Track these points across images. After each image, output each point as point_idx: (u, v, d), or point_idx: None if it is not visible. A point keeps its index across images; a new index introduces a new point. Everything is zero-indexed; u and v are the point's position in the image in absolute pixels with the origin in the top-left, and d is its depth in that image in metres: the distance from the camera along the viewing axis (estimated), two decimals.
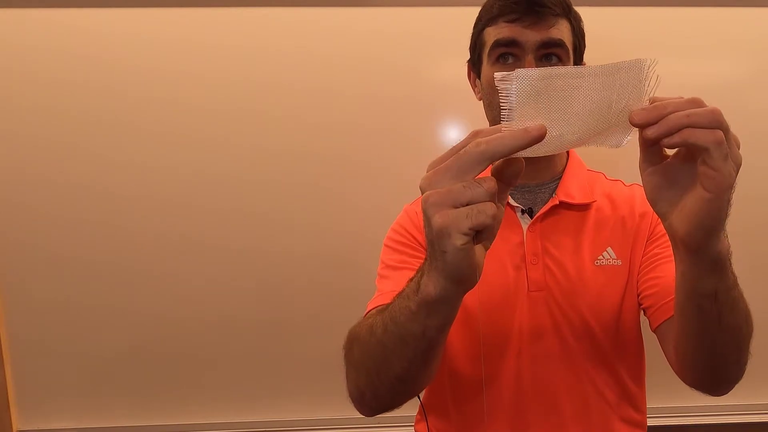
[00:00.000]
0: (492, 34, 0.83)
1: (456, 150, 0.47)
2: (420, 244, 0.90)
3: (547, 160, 0.89)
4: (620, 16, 1.21)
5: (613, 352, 0.85)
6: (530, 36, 0.80)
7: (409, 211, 0.95)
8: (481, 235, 0.46)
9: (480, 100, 0.88)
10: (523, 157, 0.75)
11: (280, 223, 1.26)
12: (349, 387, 0.72)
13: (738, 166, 0.54)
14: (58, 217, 1.24)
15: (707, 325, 0.66)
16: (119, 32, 1.19)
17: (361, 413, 0.75)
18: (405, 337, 0.56)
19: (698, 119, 0.51)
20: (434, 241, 0.46)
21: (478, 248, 0.49)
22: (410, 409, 0.98)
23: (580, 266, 0.83)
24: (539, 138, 0.46)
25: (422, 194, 0.47)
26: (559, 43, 0.81)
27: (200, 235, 1.26)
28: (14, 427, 1.32)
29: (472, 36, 0.88)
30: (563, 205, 0.86)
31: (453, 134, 1.25)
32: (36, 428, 1.33)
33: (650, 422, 0.93)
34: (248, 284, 1.28)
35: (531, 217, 0.86)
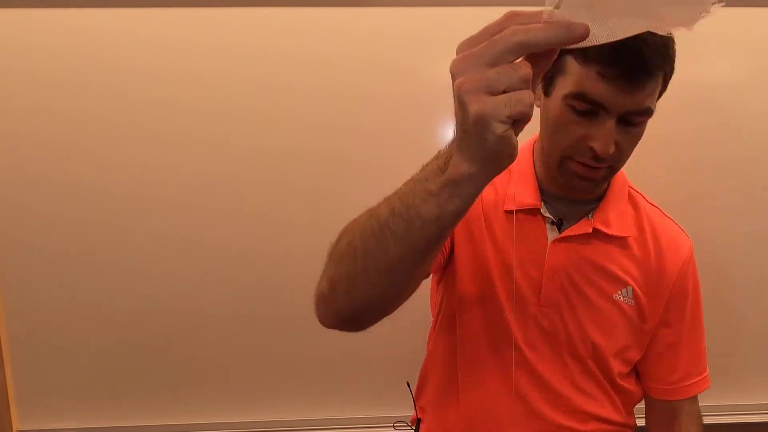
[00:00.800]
0: (577, 76, 0.72)
1: (490, 33, 0.44)
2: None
3: (610, 173, 0.82)
4: None
5: (608, 383, 0.86)
6: (620, 102, 0.71)
7: None
8: (518, 123, 0.45)
9: (538, 107, 0.80)
10: (580, 192, 0.77)
11: (280, 223, 1.26)
12: (320, 283, 0.69)
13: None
14: (58, 217, 1.24)
15: None
16: (119, 32, 1.19)
17: (321, 318, 0.72)
18: (414, 221, 0.52)
19: None
20: (470, 130, 0.44)
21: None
22: (407, 410, 0.98)
23: (599, 297, 0.82)
24: (582, 37, 0.43)
25: (453, 79, 0.45)
26: (647, 112, 0.74)
27: (200, 235, 1.26)
28: (14, 427, 1.32)
29: None
30: (596, 233, 0.83)
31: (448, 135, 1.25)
32: (36, 428, 1.33)
33: None
34: (248, 284, 1.28)
35: (559, 229, 0.83)
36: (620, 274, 0.83)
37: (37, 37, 1.18)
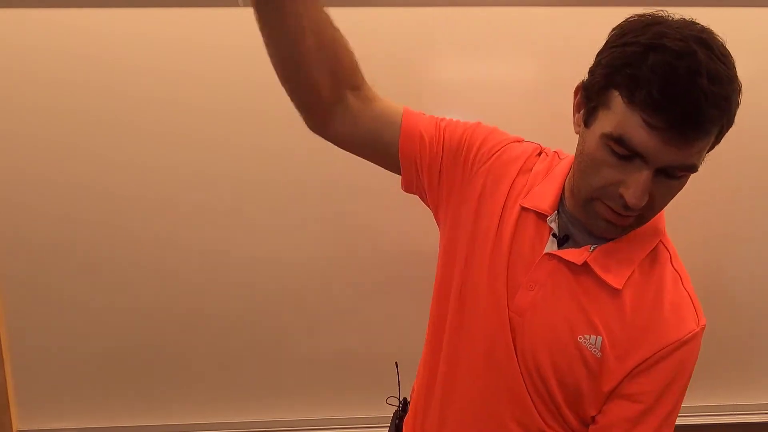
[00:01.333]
0: (621, 116, 0.64)
1: None
2: (468, 161, 0.82)
3: (639, 223, 0.74)
4: (620, 16, 1.21)
5: (557, 413, 0.79)
6: (663, 157, 0.63)
7: (516, 144, 0.84)
8: None
9: (576, 133, 0.74)
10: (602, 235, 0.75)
11: (280, 223, 1.26)
12: None
13: None
14: (58, 217, 1.24)
15: None
16: (119, 32, 1.18)
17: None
18: None
19: None
20: None
21: None
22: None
23: (563, 330, 0.75)
24: None
25: None
26: (692, 169, 0.66)
27: (201, 236, 1.26)
28: (14, 427, 1.32)
29: (599, 71, 0.68)
30: (589, 269, 0.75)
31: None
32: (36, 428, 1.33)
33: None
34: (248, 284, 1.28)
35: (560, 245, 0.77)
36: (594, 321, 0.74)
37: (36, 37, 1.18)
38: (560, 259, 0.76)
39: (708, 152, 0.69)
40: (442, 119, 0.86)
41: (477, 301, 0.81)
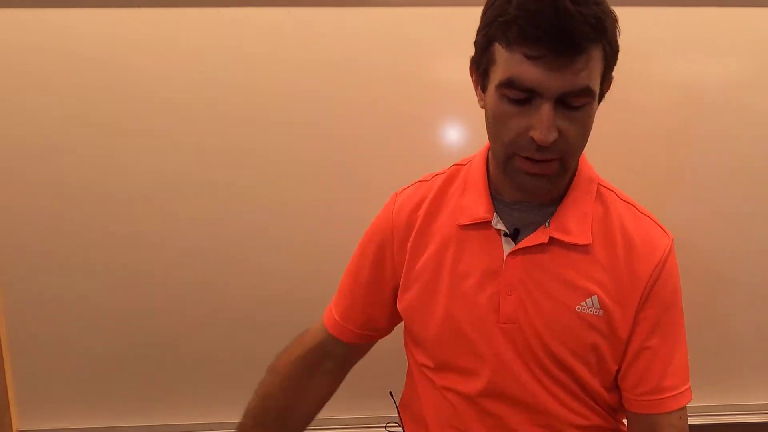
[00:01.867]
0: (505, 62, 0.67)
1: None
2: (389, 256, 0.87)
3: (563, 168, 0.74)
4: (621, 16, 1.21)
5: (584, 394, 0.81)
6: (553, 83, 0.65)
7: (388, 209, 0.89)
8: None
9: (482, 108, 0.76)
10: (531, 192, 0.74)
11: (280, 223, 1.26)
12: None
13: None
14: (58, 217, 1.24)
15: None
16: (123, 34, 1.18)
17: None
18: None
19: None
20: None
21: None
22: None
23: (558, 309, 0.76)
24: None
25: None
26: (587, 92, 0.67)
27: (201, 237, 1.26)
28: (14, 427, 1.32)
29: (479, 39, 0.72)
30: (553, 242, 0.77)
31: (454, 135, 1.25)
32: (36, 428, 1.33)
33: None
34: (248, 285, 1.28)
35: (515, 240, 0.78)
36: (583, 283, 0.76)
37: (40, 38, 1.18)
38: (525, 250, 0.77)
39: (605, 82, 0.72)
40: (343, 276, 0.95)
41: (464, 346, 0.81)
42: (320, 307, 1.29)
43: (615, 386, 0.83)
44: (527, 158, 0.70)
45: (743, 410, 1.32)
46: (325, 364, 0.94)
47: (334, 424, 1.34)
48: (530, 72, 0.65)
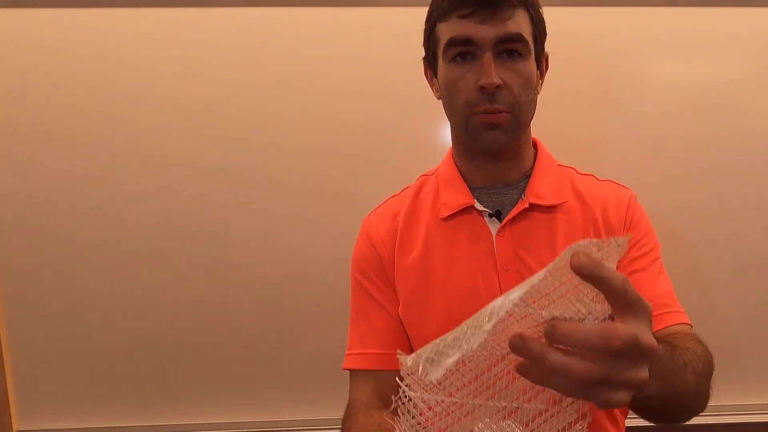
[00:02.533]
0: (445, 30, 0.79)
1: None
2: (381, 267, 0.88)
3: (513, 158, 0.86)
4: (620, 16, 1.21)
5: None
6: (486, 32, 0.76)
7: (366, 229, 0.92)
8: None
9: (439, 99, 0.86)
10: (493, 147, 0.81)
11: (281, 223, 1.26)
12: None
13: (638, 383, 0.45)
14: (58, 218, 1.24)
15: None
16: (135, 32, 1.19)
17: None
18: None
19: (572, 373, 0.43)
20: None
21: None
22: None
23: None
24: None
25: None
26: (518, 38, 0.77)
27: (200, 236, 1.26)
28: (14, 427, 1.32)
29: (425, 32, 0.85)
30: (533, 207, 0.84)
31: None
32: (36, 428, 1.33)
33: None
34: (248, 284, 1.28)
35: (500, 220, 0.84)
36: (571, 241, 0.79)
37: (51, 37, 1.18)
38: (511, 222, 0.83)
39: (539, 52, 0.82)
40: (351, 323, 0.94)
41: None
42: (323, 308, 1.30)
43: None
44: (482, 113, 0.78)
45: (743, 410, 1.32)
46: (378, 413, 0.86)
47: (334, 423, 1.34)
48: (465, 27, 0.77)
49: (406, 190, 0.94)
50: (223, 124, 1.23)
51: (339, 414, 1.33)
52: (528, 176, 0.87)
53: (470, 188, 0.86)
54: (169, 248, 1.26)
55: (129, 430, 1.33)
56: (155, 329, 1.29)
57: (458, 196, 0.85)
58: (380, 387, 0.87)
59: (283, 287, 1.29)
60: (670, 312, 0.83)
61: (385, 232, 0.89)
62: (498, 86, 0.76)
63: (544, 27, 0.83)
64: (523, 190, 0.85)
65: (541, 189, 0.85)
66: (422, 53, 1.21)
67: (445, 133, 1.26)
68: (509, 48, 0.77)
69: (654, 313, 0.77)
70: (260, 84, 1.22)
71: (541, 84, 0.86)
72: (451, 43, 0.78)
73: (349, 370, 0.91)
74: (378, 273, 0.89)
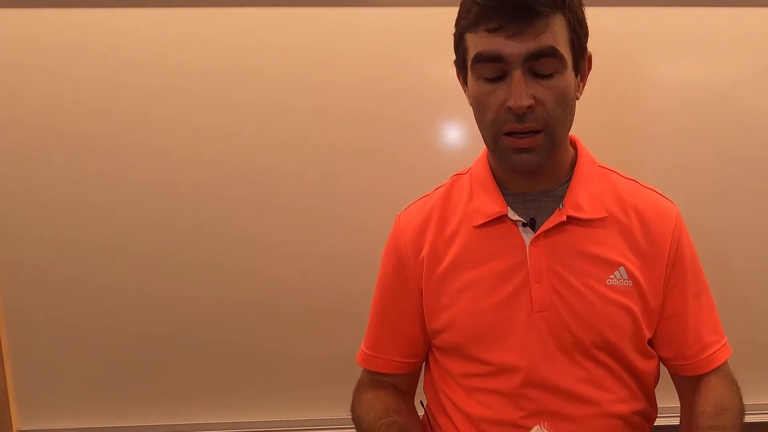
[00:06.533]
0: (472, 43, 0.73)
1: None
2: (408, 272, 0.86)
3: (553, 164, 0.80)
4: (621, 16, 1.21)
5: (624, 372, 0.82)
6: (515, 48, 0.69)
7: (398, 230, 0.90)
8: None
9: (471, 105, 0.80)
10: (523, 168, 0.76)
11: (280, 224, 1.26)
12: None
13: None
14: (58, 217, 1.24)
15: None
16: (140, 31, 1.19)
17: None
18: None
19: None
20: None
21: None
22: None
23: (590, 286, 0.78)
24: None
25: None
26: (552, 52, 0.70)
27: (200, 237, 1.26)
28: (14, 427, 1.32)
29: (454, 37, 0.78)
30: (570, 220, 0.79)
31: (454, 133, 1.26)
32: (36, 428, 1.33)
33: None
34: (249, 285, 1.28)
35: (533, 229, 0.80)
36: (608, 255, 0.78)
37: (51, 36, 1.18)
38: (546, 234, 0.79)
39: (580, 55, 0.75)
40: (370, 321, 0.94)
41: (500, 342, 0.80)
42: (324, 308, 1.30)
43: (650, 361, 0.85)
44: (511, 134, 0.73)
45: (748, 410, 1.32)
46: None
47: (334, 423, 1.34)
48: (493, 42, 0.70)
49: (438, 191, 0.90)
50: (224, 122, 1.22)
51: (339, 414, 1.34)
52: (567, 182, 0.81)
53: (504, 194, 0.82)
54: (170, 249, 1.26)
55: (129, 430, 1.33)
56: (155, 329, 1.29)
57: (492, 203, 0.81)
58: (383, 379, 0.93)
59: (284, 287, 1.29)
60: (717, 350, 0.84)
61: (416, 236, 0.86)
62: (529, 106, 0.71)
63: (586, 27, 0.76)
64: (561, 199, 0.80)
65: (581, 199, 0.80)
66: (422, 53, 1.22)
67: (450, 131, 1.26)
68: (542, 67, 0.71)
69: (705, 354, 0.82)
70: (262, 80, 1.22)
71: (582, 87, 0.79)
72: (478, 58, 0.72)
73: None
74: (403, 277, 0.87)
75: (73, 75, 1.19)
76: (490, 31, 0.70)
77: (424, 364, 0.95)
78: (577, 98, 0.77)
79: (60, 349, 1.29)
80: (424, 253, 0.84)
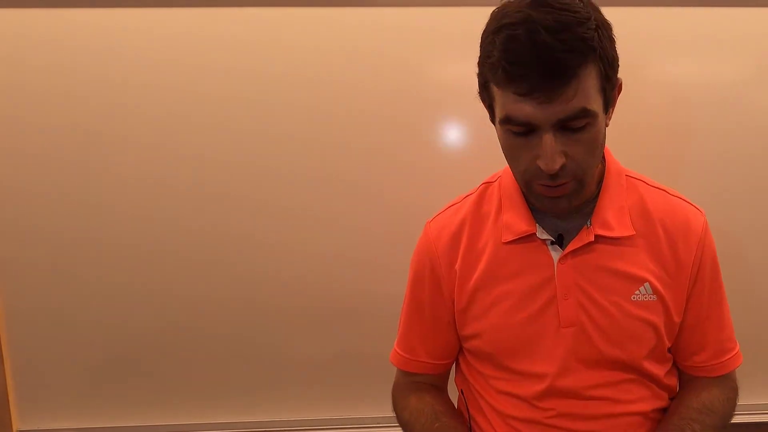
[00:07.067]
0: (500, 100, 0.70)
1: None
2: (438, 280, 0.88)
3: (580, 185, 0.76)
4: (620, 16, 1.21)
5: (644, 378, 0.85)
6: (546, 114, 0.67)
7: (428, 238, 0.90)
8: None
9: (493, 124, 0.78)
10: (554, 211, 0.80)
11: (280, 224, 1.26)
12: None
13: None
14: (59, 217, 1.24)
15: None
16: (142, 30, 1.19)
17: None
18: None
19: None
20: None
21: None
22: None
23: (616, 302, 0.80)
24: None
25: None
26: (583, 113, 0.68)
27: (200, 237, 1.26)
28: (14, 427, 1.32)
29: (478, 74, 0.74)
30: (598, 239, 0.80)
31: (454, 133, 1.26)
32: (36, 428, 1.33)
33: None
34: (249, 285, 1.28)
35: (561, 245, 0.81)
36: (634, 272, 0.80)
37: (50, 35, 1.18)
38: (573, 252, 0.80)
39: (610, 90, 0.72)
40: (403, 314, 0.95)
41: (527, 354, 0.83)
42: (324, 308, 1.30)
43: (672, 367, 0.89)
44: (542, 184, 0.74)
45: (744, 410, 1.32)
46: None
47: (334, 423, 1.34)
48: (523, 108, 0.67)
49: (467, 199, 0.90)
50: (223, 121, 1.22)
51: (338, 414, 1.34)
52: (595, 197, 0.81)
53: (533, 210, 0.82)
54: (170, 249, 1.26)
55: (129, 430, 1.33)
56: (155, 330, 1.29)
57: (520, 222, 0.81)
58: (418, 379, 0.95)
59: (284, 287, 1.29)
60: (729, 358, 0.87)
61: (449, 248, 0.87)
62: (560, 166, 0.70)
63: (617, 62, 0.72)
64: (589, 215, 0.80)
65: (608, 215, 0.80)
66: (422, 53, 1.22)
67: (450, 131, 1.26)
68: (573, 124, 0.69)
69: (717, 361, 0.86)
70: (262, 80, 1.21)
71: (612, 112, 0.77)
72: (509, 121, 0.70)
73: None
74: (437, 285, 0.88)
75: (73, 74, 1.19)
76: (519, 95, 0.67)
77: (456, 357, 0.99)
78: (607, 125, 0.76)
79: (60, 349, 1.29)
80: (457, 265, 0.86)
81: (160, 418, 1.33)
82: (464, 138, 1.25)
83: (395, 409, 0.95)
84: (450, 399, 0.97)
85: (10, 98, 1.20)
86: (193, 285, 1.28)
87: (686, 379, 0.90)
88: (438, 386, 0.97)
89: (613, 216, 0.80)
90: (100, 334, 1.29)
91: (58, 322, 1.28)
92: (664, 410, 0.87)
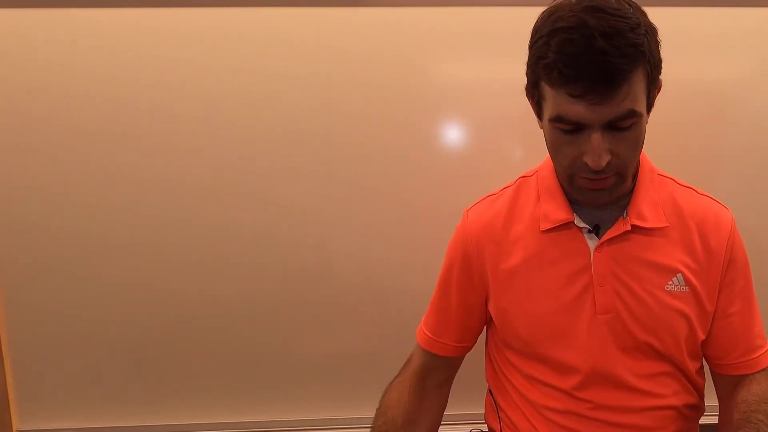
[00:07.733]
0: (551, 99, 0.74)
1: None
2: (471, 267, 0.90)
3: (621, 179, 0.81)
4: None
5: (677, 370, 0.87)
6: (597, 115, 0.71)
7: (465, 225, 0.93)
8: None
9: (541, 128, 0.82)
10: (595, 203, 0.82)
11: (280, 224, 1.26)
12: None
13: None
14: (58, 217, 1.24)
15: None
16: (144, 29, 1.19)
17: None
18: None
19: None
20: None
21: None
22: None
23: (650, 291, 0.83)
24: None
25: None
26: (632, 114, 0.72)
27: (199, 238, 1.26)
28: (14, 427, 1.32)
29: (528, 71, 0.77)
30: (634, 229, 0.83)
31: (454, 133, 1.26)
32: (36, 428, 1.33)
33: None
34: (249, 285, 1.28)
35: (597, 235, 0.84)
36: (668, 263, 0.83)
37: (50, 34, 1.18)
38: (610, 241, 0.83)
39: (653, 92, 0.76)
40: (434, 294, 0.97)
41: (562, 342, 0.85)
42: (324, 308, 1.30)
43: (698, 361, 0.90)
44: (585, 178, 0.78)
45: None
46: (431, 380, 0.98)
47: (334, 423, 1.34)
48: (575, 109, 0.71)
49: (505, 191, 0.93)
50: (224, 121, 1.22)
51: (338, 414, 1.34)
52: (630, 191, 0.85)
53: (570, 200, 0.85)
54: (171, 248, 1.26)
55: (129, 430, 1.33)
56: (155, 329, 1.29)
57: (558, 210, 0.85)
58: (432, 363, 0.97)
59: (284, 287, 1.29)
60: (762, 354, 0.88)
61: (483, 234, 0.90)
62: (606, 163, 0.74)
63: (660, 64, 0.76)
64: (625, 207, 0.84)
65: (644, 208, 0.84)
66: (422, 53, 1.22)
67: (450, 131, 1.26)
68: (621, 124, 0.73)
69: (750, 357, 0.87)
70: (263, 80, 1.21)
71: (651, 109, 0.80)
72: (560, 119, 0.74)
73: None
74: (466, 271, 0.91)
75: (73, 73, 1.19)
76: (573, 96, 0.71)
77: (486, 351, 1.01)
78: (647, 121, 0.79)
79: (60, 349, 1.29)
80: (490, 250, 0.89)
81: (160, 418, 1.33)
82: (465, 137, 1.25)
83: (392, 381, 0.99)
84: (449, 390, 1.00)
85: (11, 98, 1.20)
86: (193, 285, 1.28)
87: (722, 384, 0.92)
88: (445, 375, 0.99)
89: (647, 208, 0.83)
90: (100, 334, 1.29)
91: (58, 322, 1.28)
92: (694, 407, 0.90)
